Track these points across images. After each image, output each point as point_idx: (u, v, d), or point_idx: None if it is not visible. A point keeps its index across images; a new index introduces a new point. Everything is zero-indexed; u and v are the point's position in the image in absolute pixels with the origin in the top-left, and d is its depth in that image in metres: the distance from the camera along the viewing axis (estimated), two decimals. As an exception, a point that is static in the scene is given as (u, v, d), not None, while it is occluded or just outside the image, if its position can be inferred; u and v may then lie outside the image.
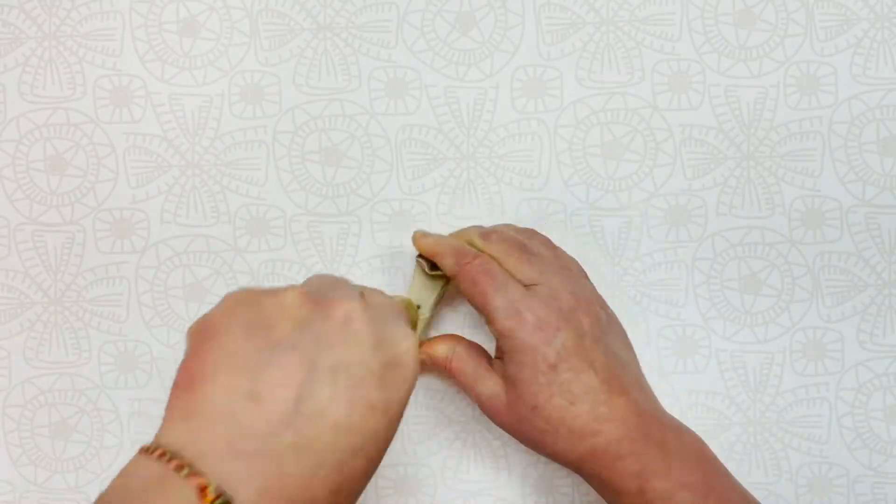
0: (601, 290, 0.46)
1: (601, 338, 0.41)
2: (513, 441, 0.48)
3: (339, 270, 0.50)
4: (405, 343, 0.33)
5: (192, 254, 0.50)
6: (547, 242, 0.46)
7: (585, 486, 0.48)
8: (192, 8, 0.51)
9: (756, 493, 0.48)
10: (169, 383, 0.49)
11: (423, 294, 0.46)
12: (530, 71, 0.50)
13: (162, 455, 0.28)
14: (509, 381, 0.41)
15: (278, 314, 0.32)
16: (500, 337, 0.41)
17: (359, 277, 0.50)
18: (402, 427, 0.48)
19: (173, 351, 0.49)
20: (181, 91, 0.51)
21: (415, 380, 0.33)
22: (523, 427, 0.41)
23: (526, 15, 0.51)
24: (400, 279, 0.50)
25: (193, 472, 0.27)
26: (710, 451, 0.41)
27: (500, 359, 0.42)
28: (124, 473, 0.28)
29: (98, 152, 0.50)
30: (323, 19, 0.51)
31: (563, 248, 0.47)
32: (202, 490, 0.27)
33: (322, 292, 0.33)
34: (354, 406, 0.30)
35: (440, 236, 0.46)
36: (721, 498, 0.39)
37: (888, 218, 0.49)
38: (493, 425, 0.46)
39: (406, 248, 0.50)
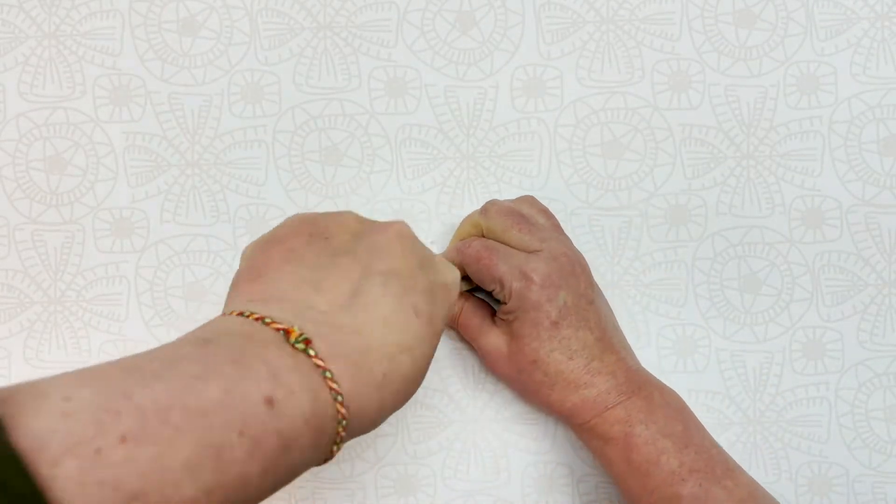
0: (602, 290, 0.46)
1: (594, 299, 0.44)
2: (512, 441, 0.48)
3: (339, 270, 0.50)
4: (451, 274, 0.36)
5: (192, 253, 0.50)
6: (544, 210, 0.47)
7: (585, 486, 0.48)
8: (192, 7, 0.51)
9: (756, 493, 0.48)
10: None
11: None
12: (530, 70, 0.50)
13: (240, 314, 0.30)
14: (513, 336, 0.44)
15: (337, 227, 0.34)
16: (509, 298, 0.43)
17: (359, 277, 0.50)
18: (403, 427, 0.48)
19: (173, 350, 0.49)
20: (181, 90, 0.51)
21: (454, 308, 0.36)
22: (522, 377, 0.44)
23: (526, 14, 0.51)
24: (400, 279, 0.50)
25: (273, 321, 0.29)
26: (689, 408, 0.44)
27: (504, 319, 0.44)
28: (203, 329, 0.29)
29: (97, 151, 0.50)
30: (323, 18, 0.51)
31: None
32: (287, 332, 0.29)
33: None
34: (402, 308, 0.32)
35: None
36: (699, 448, 0.42)
37: (888, 217, 0.49)
38: (493, 425, 0.46)
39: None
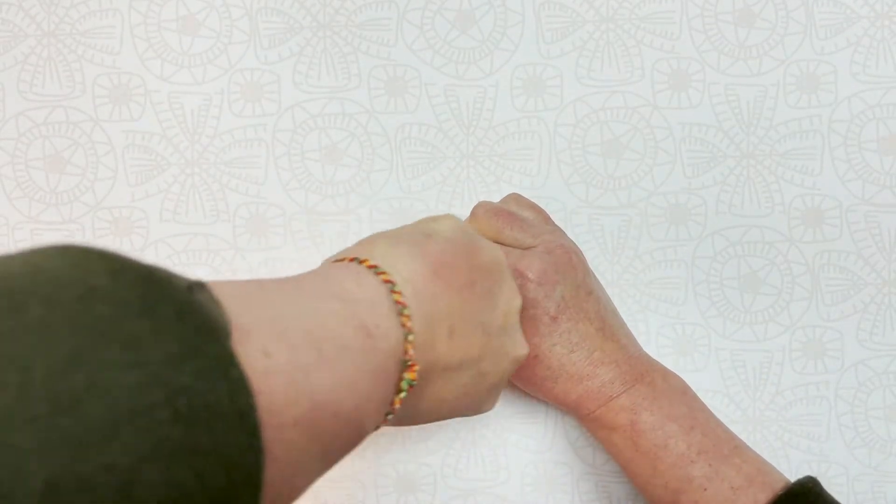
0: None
1: (592, 288, 0.44)
2: (512, 439, 0.48)
3: (339, 269, 0.50)
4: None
5: (192, 252, 0.50)
6: (531, 205, 0.47)
7: (585, 486, 0.48)
8: (192, 6, 0.51)
9: (756, 492, 0.48)
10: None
11: None
12: (530, 69, 0.50)
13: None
14: None
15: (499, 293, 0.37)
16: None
17: (358, 276, 0.50)
18: (402, 427, 0.48)
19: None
20: (180, 89, 0.51)
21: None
22: (524, 374, 0.44)
23: (525, 13, 0.51)
24: (399, 278, 0.49)
25: (362, 260, 0.31)
26: (692, 390, 0.44)
27: None
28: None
29: (97, 150, 0.50)
30: (322, 17, 0.51)
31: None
32: (370, 267, 0.31)
33: None
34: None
35: None
36: (705, 429, 0.42)
37: (888, 216, 0.49)
38: (492, 424, 0.46)
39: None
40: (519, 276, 0.42)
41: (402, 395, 0.30)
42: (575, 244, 0.45)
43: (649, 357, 0.45)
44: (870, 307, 0.49)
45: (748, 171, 0.50)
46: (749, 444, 0.48)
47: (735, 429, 0.48)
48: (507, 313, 0.36)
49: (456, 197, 0.50)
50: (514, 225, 0.44)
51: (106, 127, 0.50)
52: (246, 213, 0.50)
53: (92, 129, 0.50)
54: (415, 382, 0.31)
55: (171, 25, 0.51)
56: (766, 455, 0.48)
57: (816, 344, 0.49)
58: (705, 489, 0.40)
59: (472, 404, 0.37)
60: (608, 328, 0.43)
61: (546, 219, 0.47)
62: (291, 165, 0.50)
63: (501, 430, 0.49)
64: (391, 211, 0.50)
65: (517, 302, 0.37)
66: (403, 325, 0.30)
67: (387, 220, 0.50)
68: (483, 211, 0.45)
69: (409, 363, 0.30)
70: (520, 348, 0.38)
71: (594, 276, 0.46)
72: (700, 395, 0.49)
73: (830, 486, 0.48)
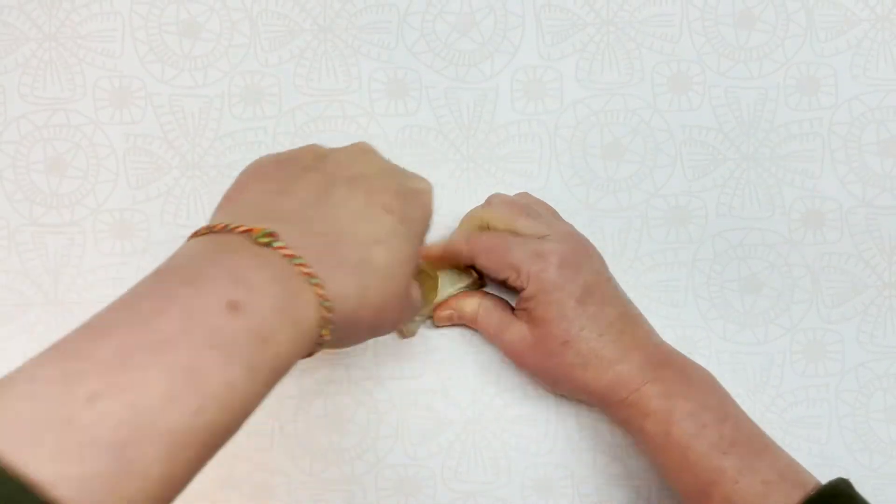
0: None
1: (609, 276, 0.45)
2: (513, 442, 0.48)
3: (340, 271, 0.50)
4: (423, 183, 0.37)
5: (193, 255, 0.50)
6: (541, 202, 0.48)
7: (585, 487, 0.48)
8: (192, 9, 0.51)
9: (756, 494, 0.48)
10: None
11: (445, 282, 0.47)
12: (530, 72, 0.50)
13: (205, 232, 0.31)
14: (536, 322, 0.43)
15: (303, 152, 0.36)
16: (527, 283, 0.42)
17: (359, 278, 0.50)
18: (403, 429, 0.48)
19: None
20: (181, 92, 0.51)
21: (431, 216, 0.37)
22: (552, 362, 0.43)
23: (526, 16, 0.51)
24: (400, 280, 0.50)
25: (237, 227, 0.30)
26: (719, 382, 0.43)
27: (524, 308, 0.44)
28: (165, 261, 0.30)
29: (98, 153, 0.50)
30: (323, 20, 0.51)
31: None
32: (250, 231, 0.30)
33: None
34: (371, 204, 0.33)
35: (443, 240, 0.46)
36: (737, 421, 0.41)
37: (888, 219, 0.49)
38: (493, 426, 0.46)
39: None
40: (541, 260, 0.42)
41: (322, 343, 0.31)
42: (585, 237, 0.46)
43: (672, 346, 0.44)
44: (870, 309, 0.49)
45: (748, 173, 0.50)
46: (750, 446, 0.48)
47: (736, 431, 0.48)
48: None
49: (456, 199, 0.50)
50: (529, 214, 0.44)
51: (107, 130, 0.51)
52: (247, 215, 0.50)
53: (93, 131, 0.51)
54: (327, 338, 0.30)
55: (171, 28, 0.51)
56: (766, 457, 0.48)
57: (817, 346, 0.49)
58: (737, 482, 0.39)
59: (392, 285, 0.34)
60: (629, 314, 0.43)
61: (556, 213, 0.47)
62: (292, 168, 0.50)
63: (502, 433, 0.49)
64: (392, 213, 0.50)
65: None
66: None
67: (387, 222, 0.50)
68: (499, 200, 0.46)
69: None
70: (418, 181, 0.37)
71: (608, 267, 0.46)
72: (701, 397, 0.49)
73: (831, 489, 0.48)
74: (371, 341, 0.49)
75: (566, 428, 0.48)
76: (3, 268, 0.50)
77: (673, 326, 0.49)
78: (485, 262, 0.44)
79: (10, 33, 0.51)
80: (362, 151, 0.37)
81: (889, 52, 0.50)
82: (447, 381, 0.49)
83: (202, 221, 0.50)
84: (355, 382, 0.49)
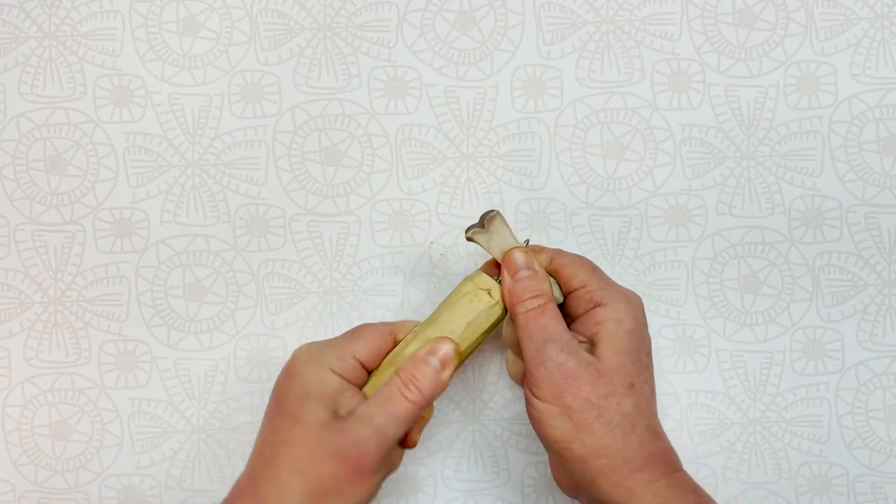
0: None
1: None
2: (512, 441, 0.48)
3: (339, 270, 0.50)
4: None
5: (192, 253, 0.50)
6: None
7: (585, 486, 0.48)
8: (192, 7, 0.51)
9: (756, 493, 0.48)
10: (169, 383, 0.49)
11: (466, 322, 0.41)
12: (530, 70, 0.50)
13: None
14: (603, 350, 0.39)
15: None
16: (620, 319, 0.40)
17: (358, 277, 0.50)
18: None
19: (173, 350, 0.49)
20: (181, 91, 0.51)
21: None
22: (604, 402, 0.38)
23: (526, 14, 0.51)
24: (400, 278, 0.50)
25: None
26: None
27: (595, 326, 0.40)
28: None
29: (98, 152, 0.50)
30: (323, 19, 0.51)
31: (563, 247, 0.47)
32: None
33: None
34: None
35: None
36: None
37: (888, 217, 0.49)
38: (493, 425, 0.46)
39: (406, 247, 0.50)
40: (637, 304, 0.41)
41: None
42: None
43: None
44: (870, 308, 0.49)
45: (748, 172, 0.50)
46: (749, 445, 0.48)
47: (735, 430, 0.49)
48: None
49: (456, 198, 0.50)
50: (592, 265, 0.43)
51: (107, 128, 0.51)
52: (246, 214, 0.50)
53: (93, 130, 0.51)
54: None
55: (171, 27, 0.51)
56: (766, 456, 0.48)
57: (817, 345, 0.49)
58: None
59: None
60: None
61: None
62: (292, 166, 0.50)
63: (501, 432, 0.49)
64: (391, 212, 0.50)
65: None
66: None
67: (387, 220, 0.50)
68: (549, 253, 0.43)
69: None
70: None
71: None
72: (700, 395, 0.49)
73: (831, 487, 0.48)
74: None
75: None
76: (3, 266, 0.50)
77: (673, 325, 0.49)
78: (582, 268, 0.42)
79: (10, 31, 0.51)
80: None
81: (889, 50, 0.50)
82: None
83: (202, 220, 0.50)
84: (355, 381, 0.49)
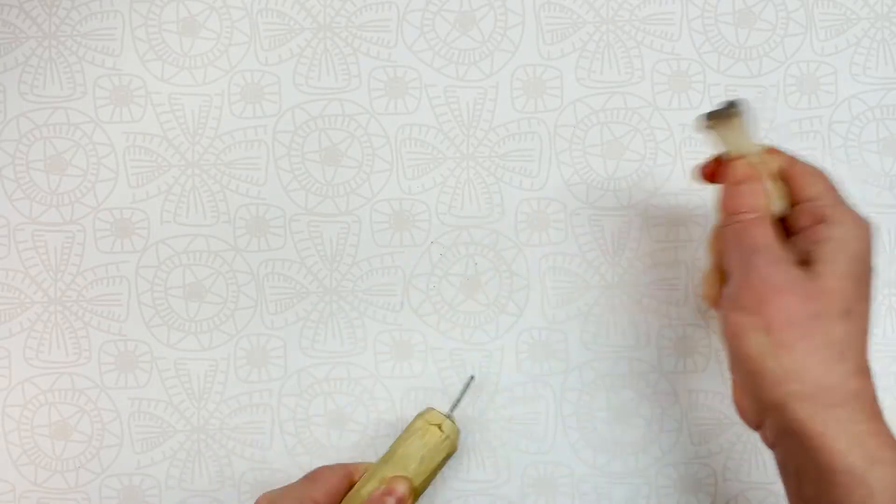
0: (601, 291, 0.46)
1: None
2: (512, 441, 0.48)
3: (339, 270, 0.50)
4: None
5: (192, 253, 0.50)
6: None
7: (585, 486, 0.48)
8: (192, 7, 0.51)
9: (756, 493, 0.48)
10: (169, 383, 0.49)
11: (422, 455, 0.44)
12: (530, 70, 0.50)
13: None
14: (818, 268, 0.36)
15: None
16: (847, 240, 0.37)
17: (358, 277, 0.50)
18: (402, 426, 0.48)
19: (173, 350, 0.49)
20: (181, 91, 0.51)
21: None
22: (816, 310, 0.36)
23: (526, 14, 0.51)
24: (400, 279, 0.50)
25: None
26: None
27: (816, 242, 0.37)
28: None
29: (98, 152, 0.50)
30: (323, 19, 0.51)
31: (563, 247, 0.47)
32: None
33: None
34: None
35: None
36: None
37: (888, 217, 0.49)
38: (493, 425, 0.45)
39: (406, 247, 0.50)
40: (864, 222, 0.38)
41: None
42: None
43: None
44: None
45: (748, 172, 0.50)
46: (748, 445, 0.48)
47: (735, 430, 0.48)
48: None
49: (456, 198, 0.50)
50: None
51: (107, 128, 0.51)
52: (246, 213, 0.50)
53: (93, 130, 0.51)
54: None
55: (171, 27, 0.51)
56: (766, 456, 0.48)
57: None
58: None
59: None
60: None
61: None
62: (292, 166, 0.50)
63: (502, 432, 0.49)
64: (391, 212, 0.50)
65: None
66: None
67: (387, 220, 0.50)
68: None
69: None
70: None
71: None
72: (700, 395, 0.49)
73: (831, 488, 0.48)
74: (371, 338, 0.49)
75: (566, 426, 0.48)
76: (3, 266, 0.50)
77: (673, 325, 0.49)
78: (811, 175, 0.39)
79: (10, 32, 0.51)
80: None
81: (889, 50, 0.50)
82: (446, 380, 0.49)
83: (202, 220, 0.50)
84: (355, 381, 0.49)
